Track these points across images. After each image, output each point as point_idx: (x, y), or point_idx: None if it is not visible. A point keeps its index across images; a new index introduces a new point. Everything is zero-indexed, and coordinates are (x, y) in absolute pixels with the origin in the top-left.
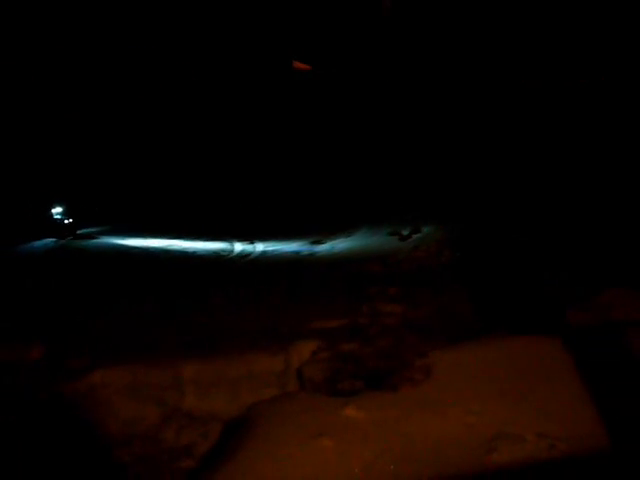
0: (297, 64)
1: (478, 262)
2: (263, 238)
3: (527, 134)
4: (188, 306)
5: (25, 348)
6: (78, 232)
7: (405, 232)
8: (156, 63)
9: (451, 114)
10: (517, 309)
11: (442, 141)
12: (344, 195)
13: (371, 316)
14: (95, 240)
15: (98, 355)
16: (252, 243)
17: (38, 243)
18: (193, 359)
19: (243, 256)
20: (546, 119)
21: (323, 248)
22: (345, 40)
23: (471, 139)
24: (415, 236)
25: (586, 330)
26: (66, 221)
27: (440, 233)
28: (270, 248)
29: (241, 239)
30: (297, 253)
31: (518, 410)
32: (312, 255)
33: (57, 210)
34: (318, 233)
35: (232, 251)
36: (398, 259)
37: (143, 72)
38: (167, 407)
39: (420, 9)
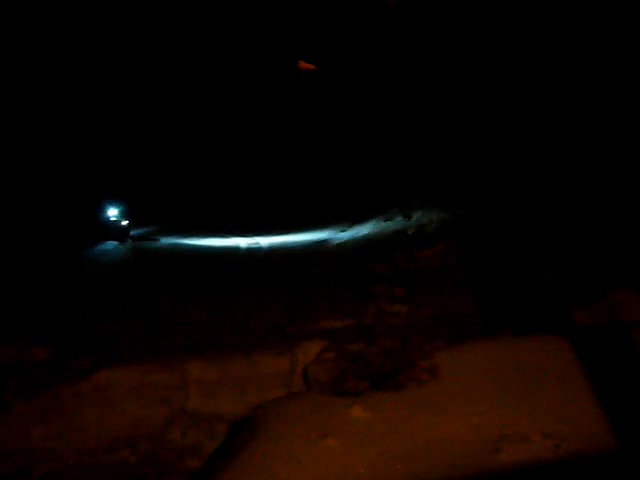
0: (303, 64)
1: (484, 262)
2: (271, 233)
3: (534, 130)
4: (193, 306)
5: (29, 348)
6: (131, 234)
7: (410, 231)
8: (163, 69)
9: (455, 109)
10: (522, 309)
11: (450, 139)
12: (350, 192)
13: (376, 316)
14: (161, 242)
15: (105, 355)
16: (260, 237)
17: (105, 247)
18: (198, 359)
19: (250, 253)
20: (552, 116)
21: (329, 245)
22: (350, 39)
23: (478, 139)
24: (421, 235)
25: (592, 331)
26: (123, 223)
27: (446, 232)
28: (277, 242)
29: (249, 234)
30: (303, 250)
31: (523, 410)
32: (318, 253)
33: (113, 212)
34: (324, 227)
35: (239, 248)
36: (403, 258)
37: (148, 78)
38: (173, 407)
39: (425, 6)
